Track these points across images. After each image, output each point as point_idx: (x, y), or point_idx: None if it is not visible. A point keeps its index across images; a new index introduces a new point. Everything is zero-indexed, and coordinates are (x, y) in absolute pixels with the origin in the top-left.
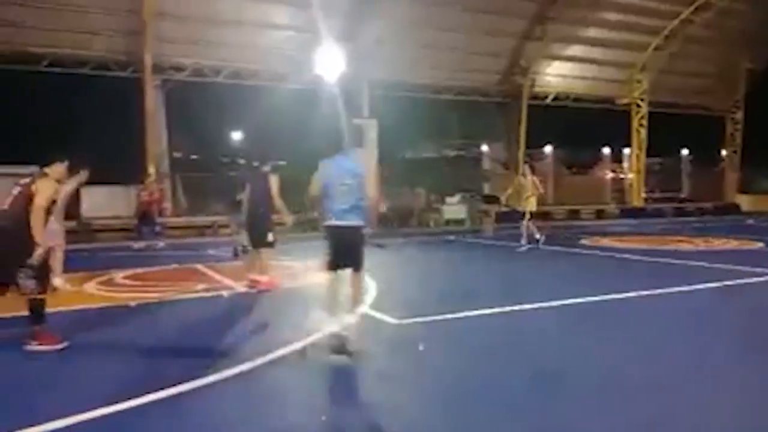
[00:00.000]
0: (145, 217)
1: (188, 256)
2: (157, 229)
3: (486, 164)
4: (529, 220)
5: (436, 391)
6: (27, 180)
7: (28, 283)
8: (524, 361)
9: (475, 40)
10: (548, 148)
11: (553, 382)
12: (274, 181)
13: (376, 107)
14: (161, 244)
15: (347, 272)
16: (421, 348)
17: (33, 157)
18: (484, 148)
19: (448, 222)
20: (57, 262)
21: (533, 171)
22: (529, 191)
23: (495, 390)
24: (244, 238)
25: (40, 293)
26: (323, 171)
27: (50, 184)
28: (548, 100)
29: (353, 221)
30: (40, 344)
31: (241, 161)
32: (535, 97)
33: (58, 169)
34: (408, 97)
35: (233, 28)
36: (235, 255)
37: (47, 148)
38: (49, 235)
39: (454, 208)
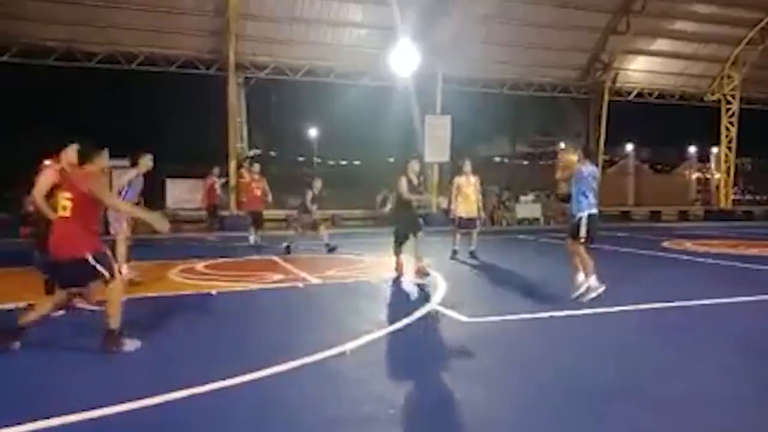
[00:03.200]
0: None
1: (265, 247)
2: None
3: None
4: None
5: (505, 389)
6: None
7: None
8: (600, 365)
9: (555, 35)
10: (629, 147)
11: (627, 388)
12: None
13: (449, 104)
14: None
15: None
16: (347, 353)
17: (125, 151)
18: (561, 145)
19: (521, 221)
20: (120, 252)
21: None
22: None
23: (567, 392)
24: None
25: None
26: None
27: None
28: (630, 97)
29: None
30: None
31: (317, 159)
32: (616, 93)
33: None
34: (482, 93)
35: (312, 27)
36: (288, 251)
37: (137, 143)
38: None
39: (528, 206)
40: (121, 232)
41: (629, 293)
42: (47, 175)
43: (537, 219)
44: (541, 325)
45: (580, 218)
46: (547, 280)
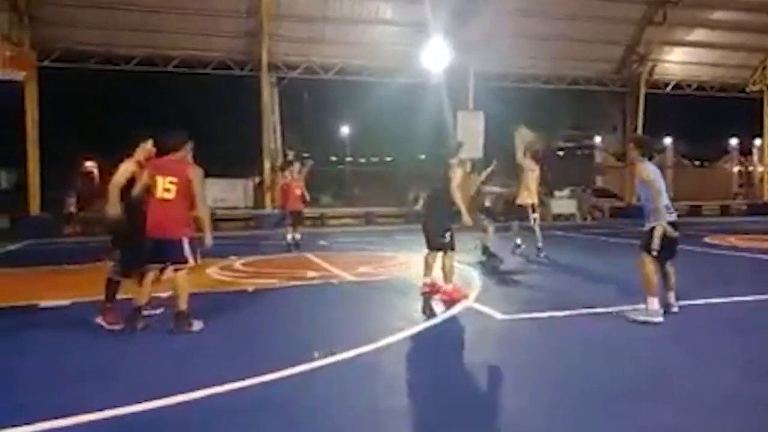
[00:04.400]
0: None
1: (301, 245)
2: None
3: (598, 157)
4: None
5: (540, 387)
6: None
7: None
8: (634, 365)
9: (589, 28)
10: (667, 140)
11: (662, 389)
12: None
13: (482, 99)
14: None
15: None
16: (316, 355)
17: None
18: (597, 139)
19: (556, 217)
20: None
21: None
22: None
23: (603, 391)
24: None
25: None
26: None
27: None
28: (668, 89)
29: None
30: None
31: (349, 158)
32: (653, 85)
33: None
34: (516, 88)
35: (343, 26)
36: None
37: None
38: None
39: (563, 202)
40: None
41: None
42: (127, 166)
43: (572, 215)
44: (578, 323)
45: (653, 228)
46: (582, 277)
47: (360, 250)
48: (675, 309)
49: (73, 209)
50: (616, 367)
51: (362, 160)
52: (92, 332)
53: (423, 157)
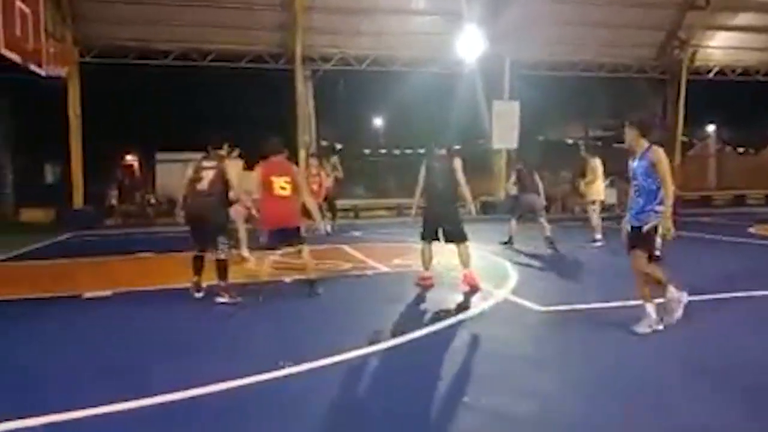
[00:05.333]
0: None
1: (335, 237)
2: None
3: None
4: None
5: (581, 380)
6: (212, 163)
7: (223, 247)
8: (679, 357)
9: (627, 13)
10: (710, 128)
11: (707, 381)
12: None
13: (517, 88)
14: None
15: None
16: (281, 363)
17: (198, 145)
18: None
19: None
20: (242, 236)
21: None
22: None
23: (645, 383)
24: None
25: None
26: None
27: (237, 165)
28: (710, 75)
29: None
30: (225, 298)
31: (382, 150)
32: (695, 71)
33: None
34: (551, 76)
35: (376, 17)
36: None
37: (210, 137)
38: (235, 213)
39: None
40: (241, 218)
41: (715, 281)
42: (237, 170)
43: (612, 205)
44: (618, 315)
45: (657, 225)
46: (621, 268)
47: (394, 241)
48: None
49: (114, 202)
50: (661, 360)
51: (396, 152)
52: (157, 320)
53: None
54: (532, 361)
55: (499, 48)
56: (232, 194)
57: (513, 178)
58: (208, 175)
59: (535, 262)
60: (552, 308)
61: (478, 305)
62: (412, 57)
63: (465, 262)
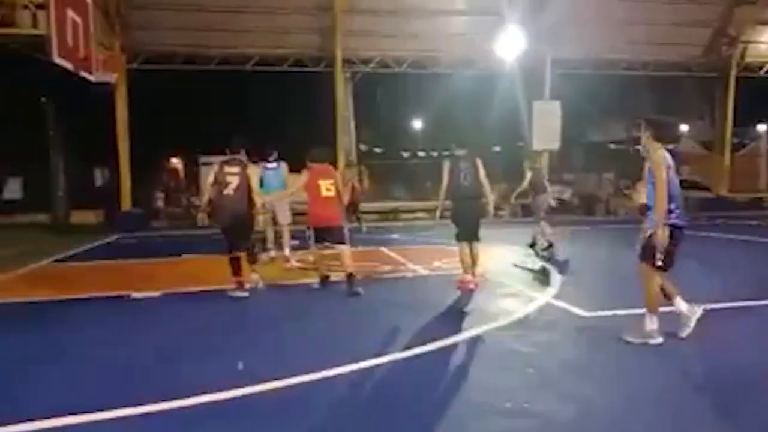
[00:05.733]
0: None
1: (373, 239)
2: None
3: (685, 146)
4: None
5: (624, 387)
6: (236, 168)
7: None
8: (730, 365)
9: (674, 10)
10: (762, 127)
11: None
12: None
13: (558, 88)
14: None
15: None
16: (240, 366)
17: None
18: (683, 127)
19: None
20: (285, 239)
21: None
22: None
23: (690, 392)
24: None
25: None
26: None
27: (256, 169)
28: (762, 72)
29: None
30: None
31: (421, 153)
32: (745, 68)
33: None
34: (594, 75)
35: (415, 18)
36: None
37: (252, 141)
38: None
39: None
40: (286, 221)
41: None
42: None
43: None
44: (664, 322)
45: (655, 233)
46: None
47: (433, 243)
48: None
49: (160, 204)
50: (710, 368)
51: (434, 154)
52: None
53: (498, 149)
54: (575, 367)
55: (539, 47)
56: (256, 198)
57: (525, 183)
58: (234, 181)
59: (579, 266)
60: (596, 313)
61: (520, 309)
62: (451, 58)
63: (477, 262)
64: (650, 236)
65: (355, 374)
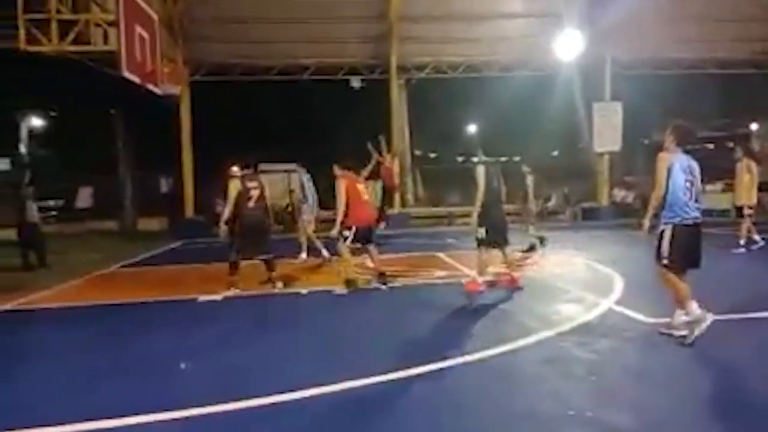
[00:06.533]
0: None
1: (428, 244)
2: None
3: (755, 145)
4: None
5: (689, 396)
6: (255, 183)
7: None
8: None
9: (741, 5)
10: None
11: None
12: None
13: (618, 89)
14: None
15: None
16: (182, 366)
17: (290, 157)
18: (753, 126)
19: (707, 213)
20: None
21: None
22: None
23: (754, 402)
24: None
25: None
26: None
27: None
28: None
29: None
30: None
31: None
32: None
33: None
34: (656, 75)
35: (470, 23)
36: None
37: (305, 149)
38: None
39: (715, 197)
40: (310, 226)
41: None
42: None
43: (726, 210)
44: (733, 330)
45: (663, 231)
46: (738, 279)
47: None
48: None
49: (221, 211)
50: None
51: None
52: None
53: (556, 153)
54: (638, 375)
55: (598, 47)
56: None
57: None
58: (255, 194)
59: (642, 270)
60: (660, 320)
61: (581, 315)
62: (507, 61)
63: (512, 264)
64: (661, 234)
65: (421, 377)
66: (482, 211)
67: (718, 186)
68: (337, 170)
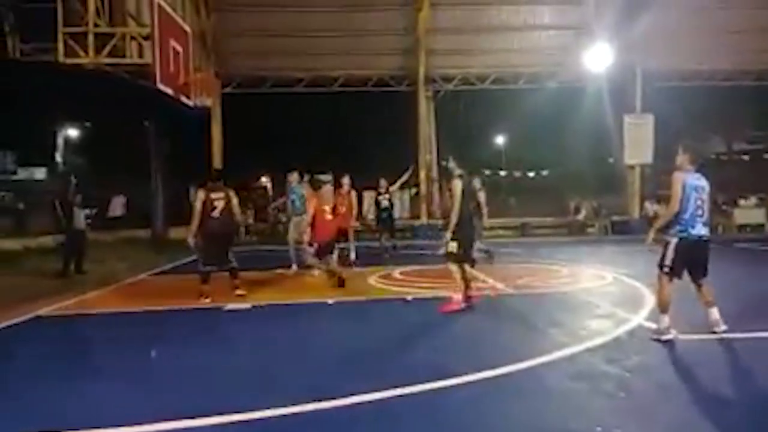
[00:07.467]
0: None
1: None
2: None
3: None
4: None
5: (720, 414)
6: (221, 194)
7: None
8: None
9: None
10: None
11: None
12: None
13: (651, 101)
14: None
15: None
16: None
17: (319, 167)
18: None
19: (741, 227)
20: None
21: None
22: None
23: None
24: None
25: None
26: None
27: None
28: None
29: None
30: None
31: (502, 173)
32: None
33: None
34: (689, 87)
35: (498, 35)
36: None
37: (337, 159)
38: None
39: (750, 211)
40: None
41: None
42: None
43: (761, 225)
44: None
45: (669, 242)
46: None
47: (515, 262)
48: (720, 329)
49: (250, 221)
50: None
51: (517, 174)
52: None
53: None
54: (668, 392)
55: (629, 58)
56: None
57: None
58: (220, 205)
59: (674, 287)
60: (689, 336)
61: (611, 331)
62: (534, 73)
63: (472, 279)
64: (666, 245)
65: (447, 391)
66: (458, 227)
67: (753, 200)
68: (308, 190)
